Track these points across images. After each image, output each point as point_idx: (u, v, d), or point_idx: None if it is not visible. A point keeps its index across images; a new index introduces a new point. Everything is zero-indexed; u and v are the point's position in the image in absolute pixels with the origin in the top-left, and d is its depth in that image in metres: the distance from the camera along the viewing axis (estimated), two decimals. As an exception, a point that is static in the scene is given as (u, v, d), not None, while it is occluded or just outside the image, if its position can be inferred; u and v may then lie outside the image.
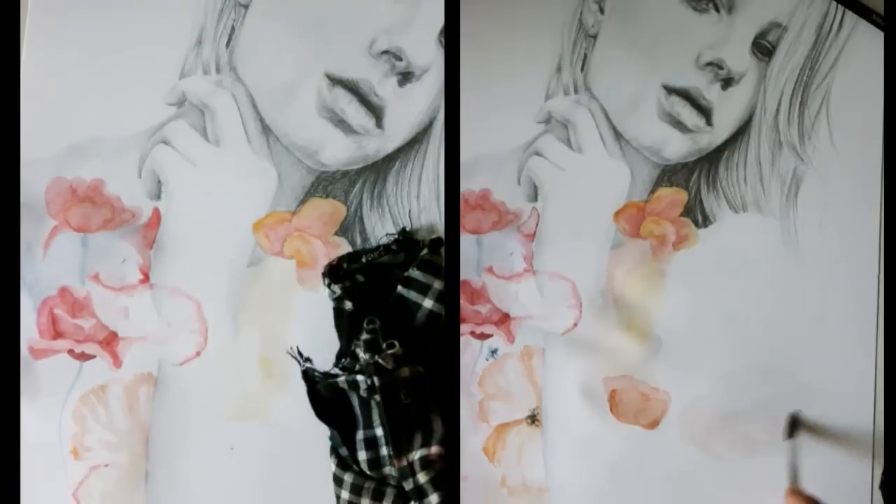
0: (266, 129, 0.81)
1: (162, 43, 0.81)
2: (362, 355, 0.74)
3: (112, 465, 0.78)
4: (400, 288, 0.78)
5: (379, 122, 0.82)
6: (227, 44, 0.82)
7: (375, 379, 0.74)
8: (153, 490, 0.78)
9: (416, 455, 0.76)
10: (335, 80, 0.82)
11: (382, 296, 0.78)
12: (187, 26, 0.81)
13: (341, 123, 0.82)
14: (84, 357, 0.78)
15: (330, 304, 0.80)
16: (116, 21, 0.81)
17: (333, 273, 0.79)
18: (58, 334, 0.78)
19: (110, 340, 0.79)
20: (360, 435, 0.77)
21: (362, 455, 0.77)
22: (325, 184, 0.82)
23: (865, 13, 0.84)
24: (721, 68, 0.86)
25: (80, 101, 0.80)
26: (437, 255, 0.79)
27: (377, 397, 0.75)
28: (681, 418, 0.83)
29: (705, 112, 0.86)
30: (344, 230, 0.81)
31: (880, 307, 0.83)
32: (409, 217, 0.81)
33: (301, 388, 0.78)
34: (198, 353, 0.79)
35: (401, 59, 0.83)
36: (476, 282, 0.85)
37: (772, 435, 0.83)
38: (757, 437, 0.83)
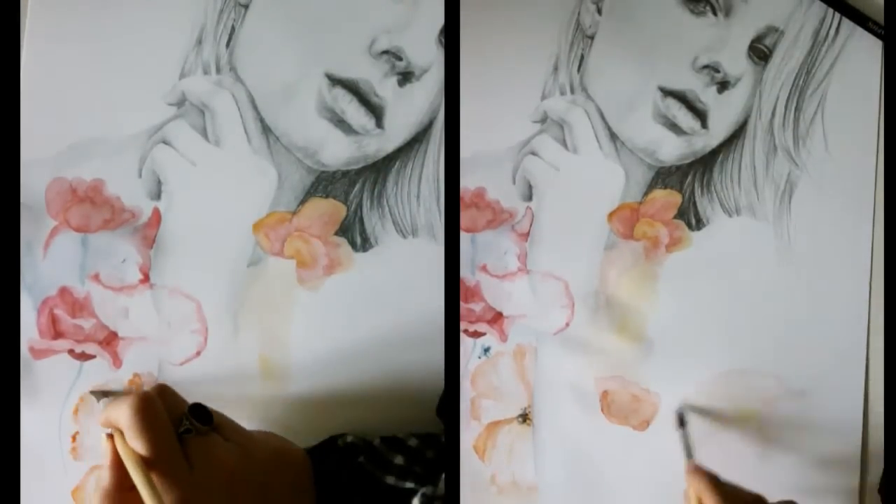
0: (266, 129, 0.81)
1: (162, 43, 0.80)
2: None
3: (112, 464, 0.78)
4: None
5: (379, 122, 0.82)
6: (227, 44, 0.81)
7: None
8: (153, 490, 0.79)
9: None
10: (335, 80, 0.82)
11: None
12: (187, 26, 0.80)
13: (341, 123, 0.82)
14: (84, 357, 0.78)
15: (329, 304, 0.81)
16: (116, 21, 0.80)
17: None
18: (58, 334, 0.78)
19: (110, 340, 0.79)
20: None
21: None
22: (325, 184, 0.82)
23: (862, 20, 0.85)
24: (717, 71, 0.86)
25: (80, 101, 0.79)
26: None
27: None
28: (671, 420, 0.84)
29: (701, 115, 0.86)
30: (344, 230, 0.82)
31: (872, 312, 0.84)
32: None
33: (301, 387, 0.79)
34: (198, 353, 0.80)
35: (401, 59, 0.83)
36: (470, 280, 0.85)
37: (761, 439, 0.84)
38: (745, 441, 0.84)
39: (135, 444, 0.64)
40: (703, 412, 0.84)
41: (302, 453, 0.74)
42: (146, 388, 0.76)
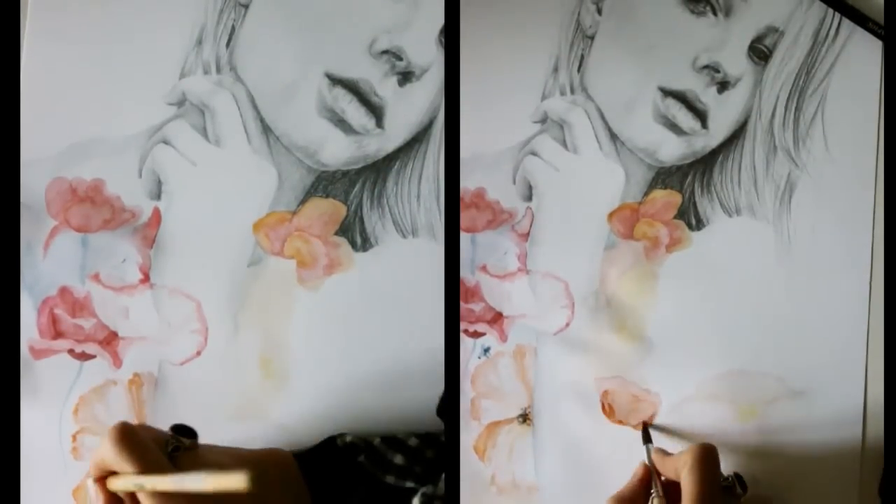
0: (266, 129, 0.81)
1: (162, 43, 0.81)
2: None
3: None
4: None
5: (379, 121, 0.83)
6: (227, 44, 0.81)
7: None
8: (153, 490, 0.79)
9: None
10: (335, 80, 0.82)
11: None
12: (187, 26, 0.81)
13: (341, 123, 0.82)
14: (84, 357, 0.79)
15: (329, 304, 0.81)
16: (117, 21, 0.80)
17: None
18: (58, 334, 0.78)
19: (110, 340, 0.79)
20: None
21: None
22: (325, 183, 0.82)
23: (862, 20, 0.85)
24: (717, 71, 0.86)
25: (80, 100, 0.80)
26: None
27: None
28: (671, 420, 0.84)
29: (701, 115, 0.86)
30: (344, 230, 0.82)
31: (872, 312, 0.84)
32: None
33: (301, 387, 0.79)
34: (198, 353, 0.80)
35: (401, 59, 0.83)
36: (470, 280, 0.85)
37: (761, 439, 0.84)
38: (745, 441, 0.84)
39: (126, 469, 0.63)
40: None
41: (285, 452, 0.74)
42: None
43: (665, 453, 0.79)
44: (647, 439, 0.82)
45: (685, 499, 0.71)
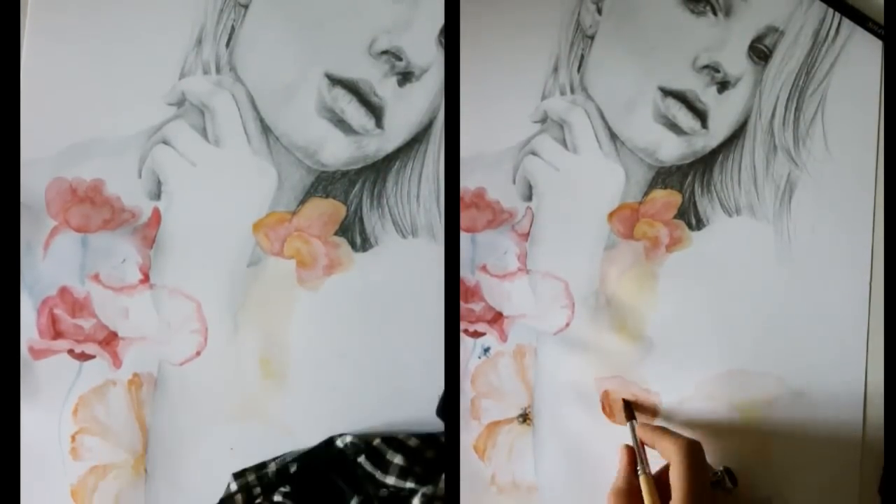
0: (266, 129, 0.81)
1: (162, 43, 0.81)
2: None
3: (111, 465, 0.78)
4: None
5: (379, 121, 0.83)
6: (227, 44, 0.81)
7: None
8: (153, 490, 0.79)
9: None
10: (335, 80, 0.82)
11: None
12: (187, 26, 0.81)
13: (341, 123, 0.82)
14: (84, 357, 0.79)
15: (329, 304, 0.81)
16: (116, 21, 0.80)
17: None
18: (58, 334, 0.78)
19: (110, 340, 0.79)
20: None
21: None
22: (325, 184, 0.82)
23: (862, 20, 0.85)
24: (717, 71, 0.86)
25: (80, 101, 0.80)
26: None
27: None
28: (671, 420, 0.84)
29: (701, 115, 0.86)
30: (344, 230, 0.82)
31: (872, 312, 0.84)
32: None
33: (301, 387, 0.79)
34: (198, 353, 0.80)
35: (401, 59, 0.83)
36: (470, 280, 0.85)
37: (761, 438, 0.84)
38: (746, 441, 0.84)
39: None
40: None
41: None
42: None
43: (650, 427, 0.80)
44: (629, 416, 0.82)
45: (675, 498, 0.72)
